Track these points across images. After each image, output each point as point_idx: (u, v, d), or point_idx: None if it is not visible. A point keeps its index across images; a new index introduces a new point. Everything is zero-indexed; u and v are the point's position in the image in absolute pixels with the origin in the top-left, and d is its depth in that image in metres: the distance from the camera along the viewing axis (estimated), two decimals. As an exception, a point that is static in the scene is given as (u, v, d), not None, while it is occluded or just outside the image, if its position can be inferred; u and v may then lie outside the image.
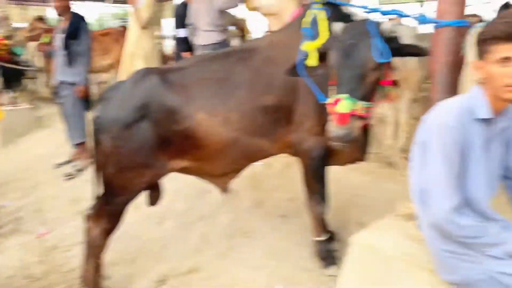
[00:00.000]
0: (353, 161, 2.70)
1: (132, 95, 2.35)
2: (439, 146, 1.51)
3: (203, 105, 2.36)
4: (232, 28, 7.17)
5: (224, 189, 2.73)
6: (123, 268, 2.90)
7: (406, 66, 3.69)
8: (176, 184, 3.88)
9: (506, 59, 1.39)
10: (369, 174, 3.89)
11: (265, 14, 4.13)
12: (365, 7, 1.76)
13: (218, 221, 3.36)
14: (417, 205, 1.71)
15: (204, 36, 4.71)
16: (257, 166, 4.02)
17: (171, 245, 3.17)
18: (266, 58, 2.47)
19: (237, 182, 3.75)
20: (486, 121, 1.53)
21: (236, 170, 2.67)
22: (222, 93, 2.39)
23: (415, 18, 1.83)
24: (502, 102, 1.49)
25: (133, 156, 2.33)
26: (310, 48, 1.78)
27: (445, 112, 1.54)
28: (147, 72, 2.43)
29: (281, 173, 3.94)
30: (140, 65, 4.85)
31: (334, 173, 3.65)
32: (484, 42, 1.45)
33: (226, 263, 2.91)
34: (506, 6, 5.27)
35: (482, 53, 1.48)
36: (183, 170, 2.53)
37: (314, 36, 1.79)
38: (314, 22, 1.78)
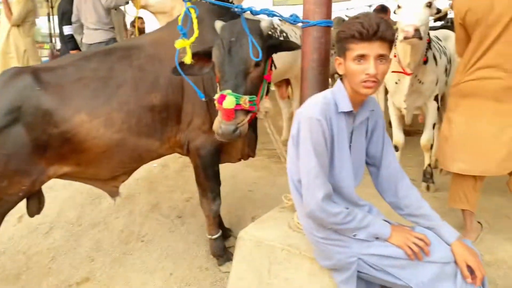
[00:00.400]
0: (244, 157, 2.77)
1: (1, 98, 2.15)
2: (308, 138, 1.60)
3: (83, 105, 2.23)
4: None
5: (114, 193, 2.63)
6: (5, 286, 2.68)
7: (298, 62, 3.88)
8: (67, 191, 3.67)
9: (360, 57, 1.52)
10: (263, 170, 4.03)
11: (154, 13, 4.06)
12: (238, 6, 1.81)
13: (112, 227, 3.23)
14: (294, 196, 1.80)
15: (91, 35, 4.50)
16: (152, 168, 3.94)
17: (61, 256, 2.99)
18: (150, 56, 2.42)
19: (132, 186, 3.66)
20: (348, 113, 1.66)
21: (124, 173, 2.57)
22: (104, 92, 2.29)
23: (287, 18, 1.94)
24: (360, 96, 1.63)
25: (6, 164, 2.14)
26: (181, 46, 1.78)
27: (311, 106, 1.63)
28: (18, 72, 2.24)
29: (178, 173, 3.90)
30: (14, 64, 4.47)
31: (230, 170, 3.74)
32: (342, 40, 1.57)
33: (121, 269, 2.83)
34: (382, 8, 5.79)
35: (341, 51, 1.60)
36: (66, 176, 2.39)
37: (188, 34, 1.79)
38: (188, 20, 1.79)
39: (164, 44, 2.45)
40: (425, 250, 1.57)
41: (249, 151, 2.74)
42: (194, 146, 2.50)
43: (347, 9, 8.99)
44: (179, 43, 1.78)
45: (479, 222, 2.82)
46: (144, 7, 3.99)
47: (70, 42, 4.94)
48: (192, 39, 1.78)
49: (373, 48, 1.50)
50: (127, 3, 4.51)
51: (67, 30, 4.83)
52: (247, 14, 1.93)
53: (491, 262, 2.52)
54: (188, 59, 1.80)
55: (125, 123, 2.31)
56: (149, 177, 3.83)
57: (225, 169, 3.05)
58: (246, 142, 2.69)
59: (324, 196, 1.59)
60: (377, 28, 1.48)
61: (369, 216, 1.66)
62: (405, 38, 2.67)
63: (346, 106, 1.63)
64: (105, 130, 2.27)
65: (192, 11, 1.75)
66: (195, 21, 1.77)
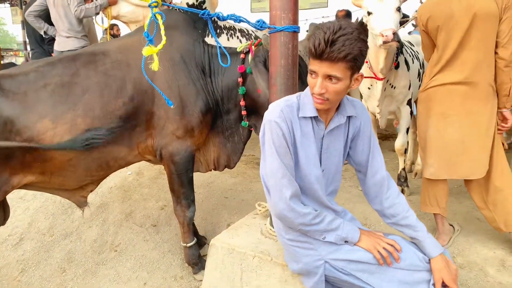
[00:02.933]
0: (219, 168, 2.75)
1: None
2: (269, 140, 1.60)
3: (47, 112, 2.17)
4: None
5: (82, 203, 2.57)
6: (-30, 303, 2.58)
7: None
8: (39, 200, 3.58)
9: (312, 72, 1.51)
10: (239, 176, 4.02)
11: (127, 23, 4.04)
12: (204, 12, 1.80)
13: (85, 237, 3.16)
14: (268, 198, 1.76)
15: (63, 42, 4.43)
16: (127, 176, 3.89)
17: (31, 268, 2.91)
18: (117, 61, 2.38)
19: (106, 194, 3.60)
20: (315, 119, 1.65)
21: (92, 182, 2.52)
22: (69, 98, 2.23)
23: (254, 24, 1.94)
24: None
25: None
26: (149, 53, 1.76)
27: (273, 109, 1.63)
28: None
29: (152, 181, 3.85)
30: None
31: (206, 177, 3.72)
32: (308, 49, 1.55)
33: (93, 280, 2.78)
34: (347, 14, 5.84)
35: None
36: (31, 186, 2.32)
37: (154, 40, 1.77)
38: (154, 27, 1.77)
39: (133, 49, 2.43)
40: (394, 255, 1.56)
41: (228, 162, 2.72)
42: (167, 152, 2.46)
43: (322, 17, 9.06)
44: (147, 50, 1.75)
45: (451, 225, 2.86)
46: (116, 17, 3.96)
47: (51, 45, 4.86)
48: (160, 46, 1.75)
49: (322, 67, 1.45)
50: (97, 14, 4.47)
51: (51, 31, 4.72)
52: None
53: (463, 264, 2.57)
54: (155, 66, 1.78)
55: (91, 130, 2.26)
56: (123, 185, 3.77)
57: (201, 175, 3.04)
58: (226, 153, 2.68)
59: (292, 195, 1.58)
60: (325, 48, 1.40)
61: (338, 219, 1.65)
62: (385, 42, 2.69)
63: (310, 111, 1.61)
64: (70, 137, 2.21)
65: (158, 17, 1.73)
66: (162, 28, 1.75)
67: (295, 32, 1.88)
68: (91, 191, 2.58)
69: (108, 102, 2.29)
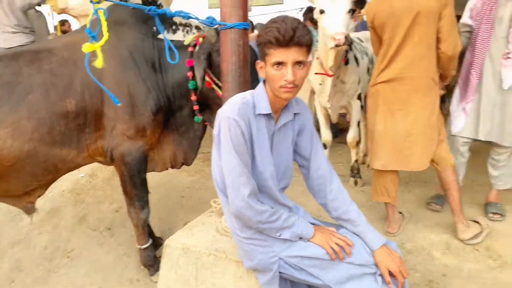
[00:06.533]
0: (176, 165, 2.71)
1: None
2: (227, 138, 1.59)
3: None
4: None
5: (29, 210, 2.46)
6: None
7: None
8: (-17, 209, 3.41)
9: (279, 63, 1.53)
10: (196, 174, 3.99)
11: (76, 16, 3.88)
12: (150, 8, 1.76)
13: (34, 244, 3.04)
14: (221, 198, 1.78)
15: (10, 39, 4.23)
16: (79, 178, 3.77)
17: (-25, 280, 2.76)
18: (64, 59, 2.29)
19: (57, 198, 3.48)
20: (268, 116, 1.67)
21: (40, 186, 2.42)
22: (10, 100, 2.13)
23: (204, 21, 1.93)
24: (281, 100, 1.65)
25: None
26: (90, 50, 1.71)
27: (230, 107, 1.62)
28: None
29: (106, 183, 3.75)
30: None
31: (162, 176, 3.66)
32: (261, 45, 1.57)
33: (45, 288, 2.67)
34: (309, 10, 5.94)
35: (262, 55, 1.60)
36: None
37: (98, 36, 1.72)
38: (97, 23, 1.72)
39: (80, 47, 2.34)
40: (346, 250, 1.61)
41: (185, 159, 2.68)
42: (118, 153, 2.40)
43: (279, 11, 9.15)
44: (87, 47, 1.69)
45: (401, 213, 2.99)
46: (64, 11, 3.80)
47: None
48: (102, 42, 1.70)
49: (290, 54, 1.50)
50: (39, 4, 4.28)
51: None
52: None
53: (412, 249, 2.69)
54: (99, 63, 1.72)
55: (36, 132, 2.16)
56: (75, 188, 3.65)
57: (157, 175, 2.99)
58: (182, 150, 2.65)
59: (250, 193, 1.59)
60: (293, 34, 1.47)
61: (293, 216, 1.68)
62: (337, 46, 2.76)
63: (265, 108, 1.64)
64: (14, 141, 2.11)
65: (100, 13, 1.68)
66: (104, 24, 1.70)
67: (246, 29, 1.89)
68: (39, 196, 2.48)
69: (54, 102, 2.20)
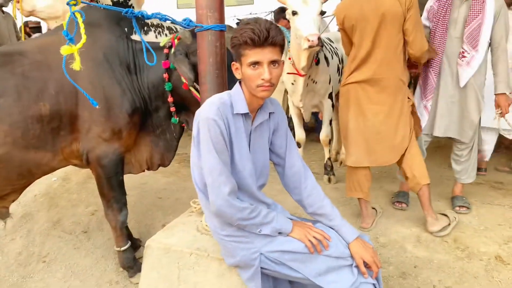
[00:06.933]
0: (153, 167, 2.71)
1: None
2: (206, 138, 1.63)
3: None
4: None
5: (3, 215, 2.42)
6: None
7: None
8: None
9: (255, 63, 1.59)
10: (172, 175, 4.00)
11: (45, 19, 3.80)
12: (127, 10, 1.77)
13: (8, 250, 2.97)
14: (200, 198, 1.82)
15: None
16: (52, 182, 3.70)
17: None
18: (36, 62, 2.27)
19: (30, 203, 3.41)
20: (245, 115, 1.72)
21: (14, 191, 2.38)
22: None
23: (181, 23, 1.95)
24: (257, 99, 1.70)
25: None
26: (68, 52, 1.70)
27: (208, 107, 1.66)
28: None
29: (80, 186, 3.70)
30: None
31: (138, 178, 3.65)
32: (236, 46, 1.61)
33: (21, 295, 2.62)
34: (281, 10, 6.03)
35: (237, 56, 1.65)
36: None
37: (74, 39, 1.72)
38: (74, 25, 1.72)
39: (53, 49, 2.32)
40: (324, 243, 1.67)
41: (162, 160, 2.69)
42: (94, 155, 2.39)
43: (250, 13, 9.18)
44: (65, 49, 1.69)
45: (374, 208, 3.10)
46: (32, 13, 3.71)
47: None
48: (80, 45, 1.70)
49: (265, 54, 1.56)
50: (6, 2, 4.15)
51: None
52: None
53: (385, 243, 2.80)
54: (77, 66, 1.72)
55: (9, 136, 2.14)
56: (48, 192, 3.59)
57: (133, 177, 2.98)
58: (159, 151, 2.65)
59: (230, 191, 1.63)
60: (268, 34, 1.54)
61: (272, 212, 1.74)
62: (310, 47, 2.83)
63: (242, 108, 1.68)
64: None
65: (78, 15, 1.68)
66: (81, 26, 1.70)
67: (222, 30, 1.93)
68: (13, 201, 2.44)
69: (28, 106, 2.18)
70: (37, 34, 5.48)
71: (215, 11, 1.93)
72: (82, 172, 3.83)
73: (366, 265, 1.68)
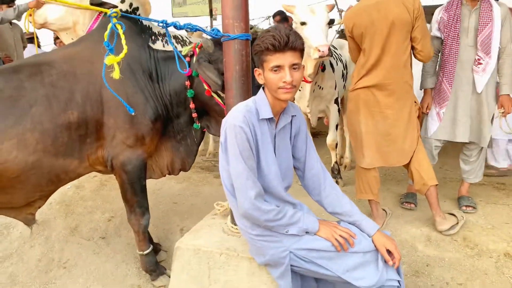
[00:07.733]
0: (174, 172, 2.79)
1: None
2: (234, 144, 1.72)
3: None
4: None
5: (30, 221, 2.48)
6: None
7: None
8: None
9: (277, 67, 1.69)
10: (185, 181, 4.06)
11: (56, 30, 3.86)
12: (163, 21, 1.86)
13: (27, 257, 3.02)
14: (229, 199, 1.90)
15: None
16: (66, 190, 3.75)
17: (-32, 297, 2.72)
18: (63, 72, 2.35)
19: (45, 211, 3.46)
20: (269, 120, 1.82)
21: (41, 197, 2.45)
22: (14, 112, 2.17)
23: (209, 32, 2.06)
24: (280, 102, 1.79)
25: None
26: (112, 62, 1.79)
27: (235, 114, 1.76)
28: None
29: (95, 193, 3.75)
30: None
31: (153, 184, 3.73)
32: (258, 53, 1.72)
33: (44, 300, 2.67)
34: (279, 13, 6.25)
35: (259, 62, 1.76)
36: None
37: (116, 49, 1.81)
38: (113, 35, 1.81)
39: (79, 59, 2.41)
40: (350, 241, 1.76)
41: (183, 165, 2.76)
42: (119, 161, 2.46)
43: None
44: (109, 59, 1.78)
45: (383, 210, 3.20)
46: (44, 25, 3.77)
47: None
48: (122, 55, 1.80)
49: (286, 58, 1.67)
50: (19, 17, 4.21)
51: None
52: None
53: (396, 243, 2.87)
54: (116, 74, 1.81)
55: (40, 143, 2.21)
56: (64, 200, 3.63)
57: (147, 183, 3.05)
58: (179, 156, 2.73)
59: (256, 194, 1.72)
60: (288, 40, 1.64)
61: (298, 212, 1.83)
62: (321, 57, 2.96)
63: (267, 113, 1.78)
64: (19, 152, 2.16)
65: (118, 27, 1.77)
66: (122, 37, 1.80)
67: (248, 39, 2.03)
68: (39, 207, 2.50)
69: (57, 114, 2.26)
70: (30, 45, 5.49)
71: (241, 21, 2.03)
72: (95, 180, 3.89)
73: (389, 253, 1.77)
